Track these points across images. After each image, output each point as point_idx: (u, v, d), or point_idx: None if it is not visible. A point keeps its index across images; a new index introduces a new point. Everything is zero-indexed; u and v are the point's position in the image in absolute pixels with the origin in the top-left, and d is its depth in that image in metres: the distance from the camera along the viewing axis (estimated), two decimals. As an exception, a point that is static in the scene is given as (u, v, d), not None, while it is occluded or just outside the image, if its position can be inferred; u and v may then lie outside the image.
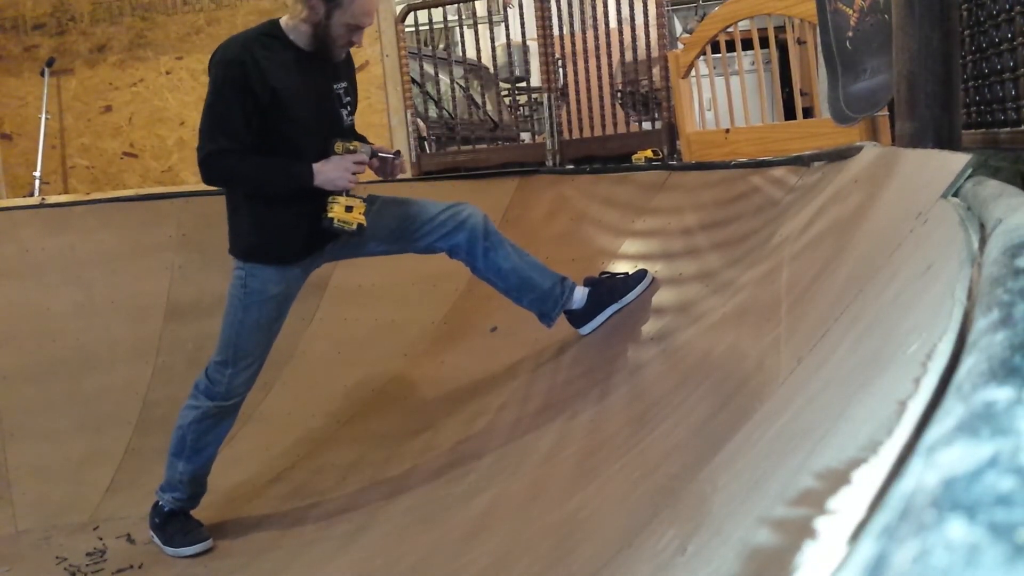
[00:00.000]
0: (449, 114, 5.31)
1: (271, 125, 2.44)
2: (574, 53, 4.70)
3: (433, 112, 5.36)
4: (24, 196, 4.75)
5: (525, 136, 5.76)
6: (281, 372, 3.42)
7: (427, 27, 6.22)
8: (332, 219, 2.47)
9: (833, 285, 1.33)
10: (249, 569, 2.45)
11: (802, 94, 4.01)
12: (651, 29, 4.40)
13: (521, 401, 2.73)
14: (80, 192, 4.88)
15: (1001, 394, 0.35)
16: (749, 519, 0.75)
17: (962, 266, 0.68)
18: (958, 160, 1.11)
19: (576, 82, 4.75)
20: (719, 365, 1.77)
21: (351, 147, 2.53)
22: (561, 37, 4.66)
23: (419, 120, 4.89)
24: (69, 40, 5.13)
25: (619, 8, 4.51)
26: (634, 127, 4.97)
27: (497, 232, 2.76)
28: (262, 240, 2.53)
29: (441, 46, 6.65)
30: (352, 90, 2.64)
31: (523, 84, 6.48)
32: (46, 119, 4.97)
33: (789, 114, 4.13)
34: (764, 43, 4.02)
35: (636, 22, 4.50)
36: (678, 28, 6.08)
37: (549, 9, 4.56)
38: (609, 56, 4.62)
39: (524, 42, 6.11)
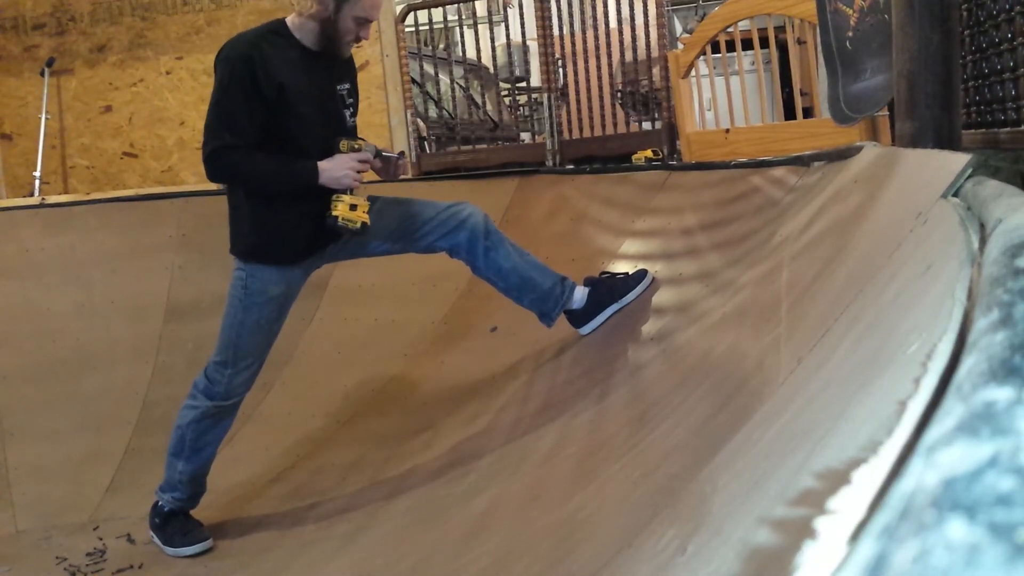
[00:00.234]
0: (449, 114, 5.31)
1: (276, 122, 2.44)
2: (574, 53, 4.70)
3: (433, 112, 5.36)
4: (24, 196, 4.75)
5: (525, 136, 5.77)
6: (281, 372, 3.42)
7: (427, 27, 6.23)
8: (336, 217, 2.46)
9: (833, 285, 1.33)
10: (249, 569, 2.45)
11: (802, 94, 4.01)
12: (651, 29, 4.40)
13: (521, 401, 2.73)
14: (80, 192, 4.89)
15: (1001, 394, 0.35)
16: (749, 519, 0.75)
17: (962, 266, 0.68)
18: (958, 160, 1.11)
19: (576, 82, 4.75)
20: (719, 365, 1.77)
21: (356, 145, 2.53)
22: (561, 37, 4.66)
23: (419, 120, 4.89)
24: (69, 40, 5.13)
25: (619, 8, 4.51)
26: (634, 127, 4.98)
27: (498, 231, 2.76)
28: (263, 240, 2.53)
29: (441, 46, 6.65)
30: (354, 92, 2.65)
31: (523, 84, 6.48)
32: (46, 119, 4.98)
33: (789, 114, 4.13)
34: (764, 43, 4.02)
35: (636, 22, 4.50)
36: (678, 28, 6.09)
37: (549, 9, 4.56)
38: (609, 56, 4.62)
39: (524, 42, 6.11)
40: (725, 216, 2.72)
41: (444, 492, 2.40)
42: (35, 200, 4.29)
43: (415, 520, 2.32)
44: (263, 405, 3.32)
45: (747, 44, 3.96)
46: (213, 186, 4.86)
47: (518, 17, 5.21)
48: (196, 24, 5.03)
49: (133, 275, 3.77)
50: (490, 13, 5.51)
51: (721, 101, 4.11)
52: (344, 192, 2.48)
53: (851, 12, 2.49)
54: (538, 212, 3.93)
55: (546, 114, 4.54)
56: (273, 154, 2.46)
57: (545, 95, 4.58)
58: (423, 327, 3.61)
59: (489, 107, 6.12)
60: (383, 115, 4.80)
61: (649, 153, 4.30)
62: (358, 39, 2.52)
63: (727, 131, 3.90)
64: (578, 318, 2.81)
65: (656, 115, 4.62)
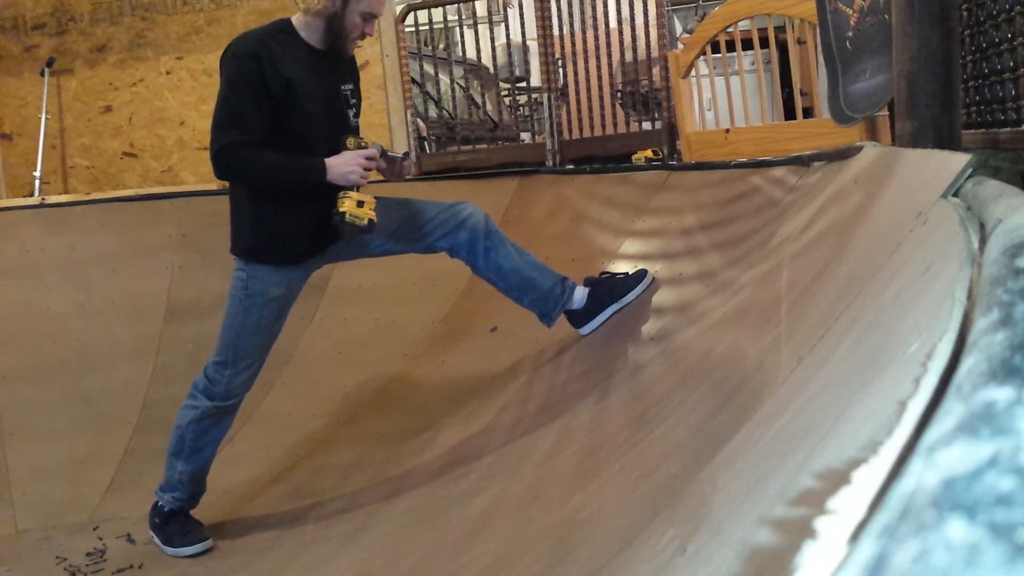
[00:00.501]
0: (449, 114, 5.31)
1: (282, 119, 2.44)
2: (574, 53, 4.70)
3: (433, 112, 5.36)
4: (24, 196, 4.75)
5: (525, 136, 5.77)
6: (281, 372, 3.42)
7: (427, 27, 6.23)
8: (344, 214, 2.45)
9: (833, 285, 1.33)
10: (249, 569, 2.45)
11: (802, 94, 4.01)
12: (651, 29, 4.40)
13: (521, 401, 2.73)
14: (80, 192, 4.89)
15: (1001, 394, 0.35)
16: (749, 519, 0.75)
17: (962, 266, 0.68)
18: (958, 160, 1.11)
19: (576, 82, 4.75)
20: (719, 365, 1.77)
21: (363, 143, 2.53)
22: (561, 37, 4.66)
23: (419, 120, 4.89)
24: (69, 40, 5.13)
25: (619, 8, 4.51)
26: (634, 127, 4.98)
27: (498, 231, 2.77)
28: (264, 241, 2.53)
29: (441, 46, 6.65)
30: (357, 92, 2.65)
31: (523, 84, 6.48)
32: (46, 119, 4.98)
33: (789, 114, 4.13)
34: (764, 43, 4.02)
35: (636, 22, 4.50)
36: (678, 28, 6.09)
37: (549, 9, 4.56)
38: (609, 56, 4.62)
39: (524, 42, 6.11)
40: (725, 216, 2.72)
41: (444, 492, 2.40)
42: (35, 200, 4.29)
43: (415, 520, 2.32)
44: (263, 405, 3.32)
45: (747, 44, 3.96)
46: (213, 186, 4.85)
47: (518, 17, 5.21)
48: (196, 24, 5.03)
49: (133, 275, 3.77)
50: (490, 13, 5.51)
51: (721, 101, 4.11)
52: (351, 189, 2.47)
53: (851, 12, 2.50)
54: (538, 212, 3.93)
55: (546, 114, 4.54)
56: (280, 151, 2.46)
57: (545, 95, 4.58)
58: (423, 327, 3.61)
59: (489, 107, 6.12)
60: (383, 115, 4.80)
61: (649, 153, 4.30)
62: (363, 35, 2.52)
63: (727, 131, 3.90)
64: (578, 318, 2.81)
65: (656, 115, 4.62)
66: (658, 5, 4.40)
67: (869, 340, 0.87)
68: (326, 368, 3.51)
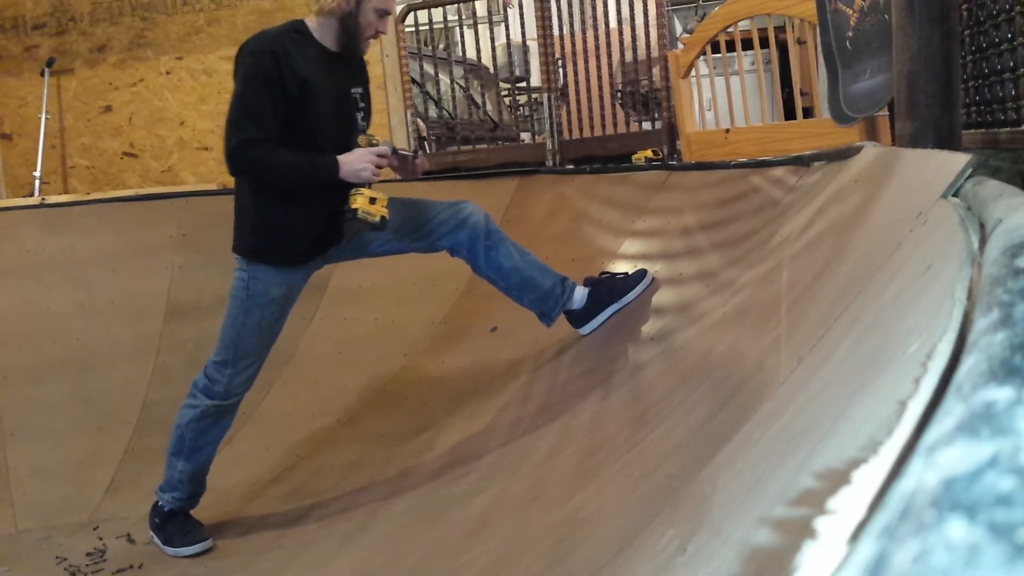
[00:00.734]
0: (449, 114, 5.31)
1: (295, 119, 2.44)
2: (574, 53, 4.70)
3: (433, 112, 5.36)
4: (24, 196, 4.75)
5: (525, 136, 5.77)
6: (281, 372, 3.42)
7: (427, 27, 6.22)
8: (356, 210, 2.44)
9: (833, 285, 1.33)
10: (249, 569, 2.45)
11: (802, 94, 4.01)
12: (651, 29, 4.40)
13: (521, 401, 2.73)
14: (80, 192, 4.89)
15: (1001, 394, 0.35)
16: (749, 519, 0.75)
17: (962, 266, 0.68)
18: (958, 160, 1.11)
19: (576, 82, 4.75)
20: (719, 365, 1.77)
21: (374, 140, 2.53)
22: (561, 37, 4.66)
23: (419, 120, 4.90)
24: (69, 40, 5.14)
25: (619, 8, 4.51)
26: (634, 127, 4.98)
27: (498, 230, 2.77)
28: (267, 241, 2.53)
29: (441, 46, 6.65)
30: (367, 96, 2.66)
31: (523, 84, 6.48)
32: (46, 119, 4.98)
33: (789, 114, 4.13)
34: (764, 43, 4.02)
35: (636, 22, 4.50)
36: (678, 28, 6.09)
37: (549, 9, 4.56)
38: (609, 56, 4.62)
39: (524, 42, 6.11)
40: (725, 216, 2.72)
41: (444, 492, 2.40)
42: (35, 200, 4.29)
43: (415, 520, 2.32)
44: (263, 405, 3.32)
45: (747, 44, 3.96)
46: (213, 186, 4.85)
47: (518, 17, 5.21)
48: (196, 24, 5.03)
49: (133, 275, 3.77)
50: (490, 13, 5.51)
51: (721, 101, 4.11)
52: (363, 186, 2.47)
53: (851, 12, 2.50)
54: (538, 212, 3.93)
55: (546, 114, 4.54)
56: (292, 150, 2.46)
57: (545, 95, 4.58)
58: (423, 327, 3.61)
59: (489, 107, 6.12)
60: (383, 115, 4.79)
61: (649, 153, 4.30)
62: (377, 33, 2.53)
63: (727, 131, 3.90)
64: (578, 318, 2.81)
65: (656, 115, 4.63)
66: (658, 5, 4.40)
67: (869, 340, 0.87)
68: (326, 368, 3.51)
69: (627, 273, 2.85)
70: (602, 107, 4.64)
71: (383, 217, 2.47)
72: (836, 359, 0.98)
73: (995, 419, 0.33)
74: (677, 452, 1.50)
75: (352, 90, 2.58)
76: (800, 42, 4.03)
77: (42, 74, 5.02)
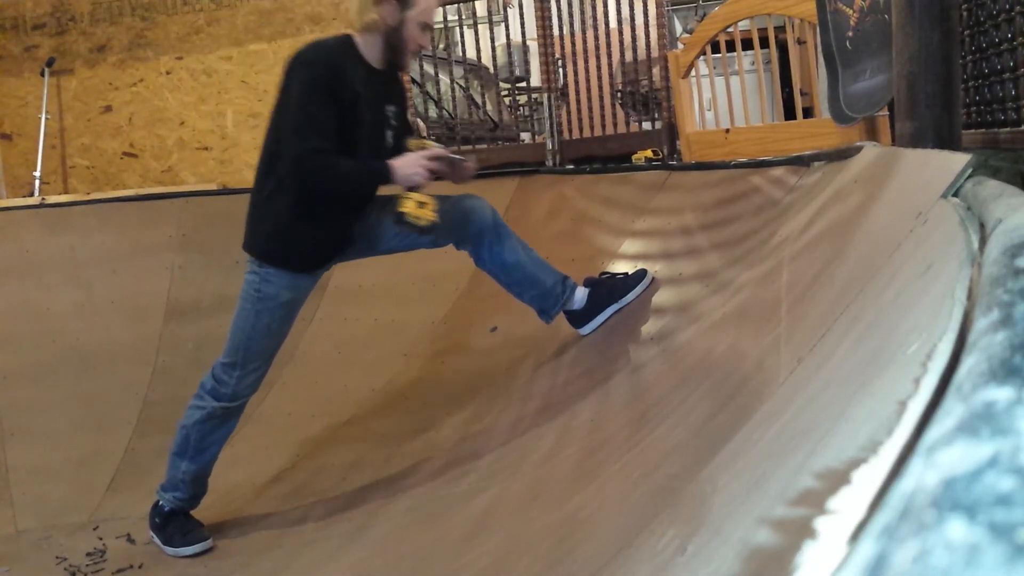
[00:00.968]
0: (449, 114, 5.31)
1: (341, 131, 2.47)
2: (574, 53, 4.70)
3: (433, 112, 5.36)
4: (24, 196, 4.75)
5: (525, 136, 5.76)
6: (281, 372, 3.41)
7: (427, 27, 6.21)
8: (405, 214, 2.47)
9: (833, 285, 1.33)
10: (249, 569, 2.45)
11: (802, 94, 4.01)
12: (651, 29, 4.40)
13: (521, 401, 2.73)
14: (80, 192, 4.89)
15: (1001, 394, 0.35)
16: (749, 519, 0.75)
17: (962, 266, 0.68)
18: (958, 160, 1.11)
19: (576, 82, 4.75)
20: (719, 365, 1.77)
21: (426, 144, 2.57)
22: (561, 37, 4.66)
23: (419, 120, 4.89)
24: (69, 40, 5.14)
25: (619, 8, 4.51)
26: (634, 127, 4.98)
27: (504, 225, 2.77)
28: (283, 247, 2.55)
29: (441, 46, 6.65)
30: (400, 116, 2.67)
31: (523, 84, 6.48)
32: (46, 119, 4.98)
33: (789, 114, 4.12)
34: (764, 43, 4.02)
35: (636, 22, 4.50)
36: (678, 28, 6.09)
37: (549, 9, 4.56)
38: (609, 56, 4.62)
39: (524, 42, 6.11)
40: (725, 216, 2.72)
41: (444, 492, 2.40)
42: (35, 200, 4.29)
43: (415, 520, 2.32)
44: (263, 405, 3.32)
45: (747, 44, 3.96)
46: (213, 186, 4.85)
47: (518, 17, 5.21)
48: (196, 24, 5.03)
49: (133, 275, 3.78)
50: (490, 13, 5.51)
51: (721, 101, 4.11)
52: (413, 190, 2.50)
53: (851, 12, 2.50)
54: (538, 212, 3.93)
55: (546, 114, 4.54)
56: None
57: (545, 95, 4.58)
58: (423, 327, 3.61)
59: (489, 107, 6.12)
60: (383, 115, 4.80)
61: (649, 153, 4.30)
62: (420, 48, 2.57)
63: (727, 131, 3.90)
64: (578, 318, 2.81)
65: (656, 115, 4.62)
66: (658, 5, 4.40)
67: (869, 340, 0.87)
68: (326, 368, 3.51)
69: (627, 273, 2.85)
70: (602, 107, 4.64)
71: (432, 221, 2.50)
72: (836, 359, 0.98)
73: (995, 419, 0.33)
74: (677, 452, 1.50)
75: (386, 107, 2.61)
76: (800, 42, 4.02)
77: (42, 74, 5.02)
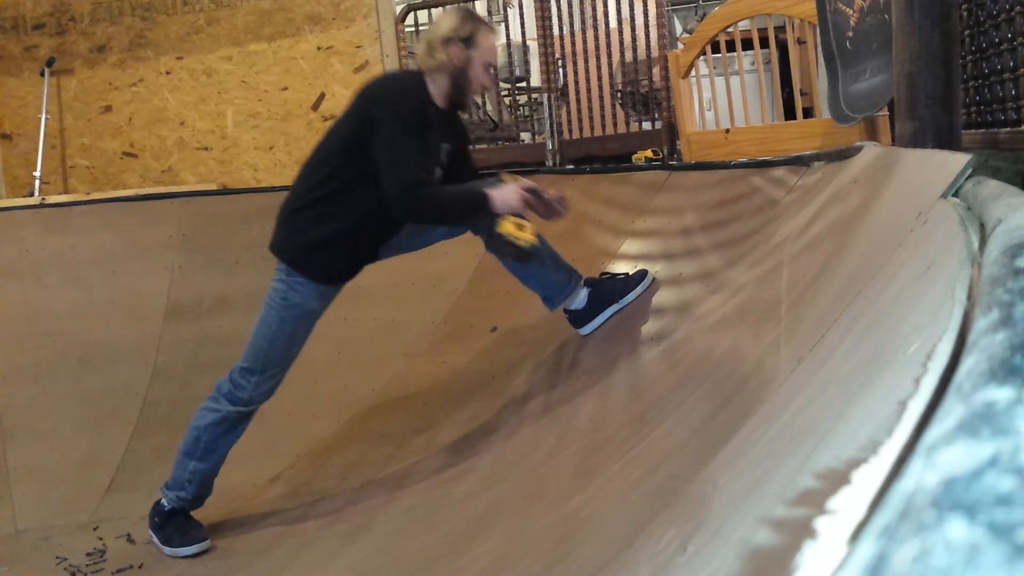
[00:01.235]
0: (449, 114, 5.30)
1: None
2: (574, 53, 4.70)
3: (433, 112, 5.34)
4: (24, 196, 4.75)
5: (525, 136, 5.77)
6: (281, 372, 3.41)
7: (427, 27, 6.21)
8: (504, 235, 2.51)
9: (833, 285, 1.33)
10: (249, 569, 2.45)
11: (802, 94, 4.01)
12: (651, 29, 4.40)
13: (521, 401, 2.73)
14: (80, 192, 4.89)
15: (1001, 394, 0.35)
16: (749, 519, 0.75)
17: (962, 266, 0.68)
18: (958, 160, 1.11)
19: (576, 82, 4.75)
20: (719, 365, 1.77)
21: (517, 177, 2.64)
22: (561, 37, 4.66)
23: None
24: (69, 40, 5.14)
25: (619, 8, 4.51)
26: (634, 127, 4.98)
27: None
28: (317, 260, 2.57)
29: (441, 46, 6.64)
30: (451, 154, 2.69)
31: (523, 84, 6.48)
32: (46, 119, 4.98)
33: (789, 114, 4.13)
34: (764, 43, 4.02)
35: (636, 22, 4.50)
36: (678, 28, 6.08)
37: (549, 9, 4.56)
38: (609, 56, 4.62)
39: (524, 42, 6.11)
40: (725, 216, 2.72)
41: (444, 492, 2.40)
42: (35, 200, 4.29)
43: (415, 520, 2.32)
44: (263, 405, 3.32)
45: (747, 44, 3.96)
46: (213, 186, 4.85)
47: (518, 17, 5.21)
48: (196, 24, 5.03)
49: (133, 275, 3.78)
50: (490, 13, 5.51)
51: (721, 101, 4.11)
52: (510, 216, 2.54)
53: (851, 12, 2.50)
54: (538, 212, 3.92)
55: (546, 114, 4.54)
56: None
57: (545, 95, 4.58)
58: (423, 327, 3.61)
59: (489, 107, 6.12)
60: (383, 115, 4.79)
61: (649, 153, 4.30)
62: (484, 88, 2.65)
63: (727, 131, 3.90)
64: (578, 318, 2.81)
65: (656, 115, 4.63)
66: (658, 5, 4.40)
67: (869, 340, 0.87)
68: (326, 368, 3.51)
69: (627, 273, 2.85)
70: (602, 107, 4.64)
71: (531, 243, 2.53)
72: (836, 359, 0.98)
73: (995, 419, 0.33)
74: (677, 452, 1.50)
75: (442, 145, 2.65)
76: (800, 42, 4.02)
77: (42, 74, 5.02)
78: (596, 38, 4.59)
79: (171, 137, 5.09)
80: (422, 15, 5.67)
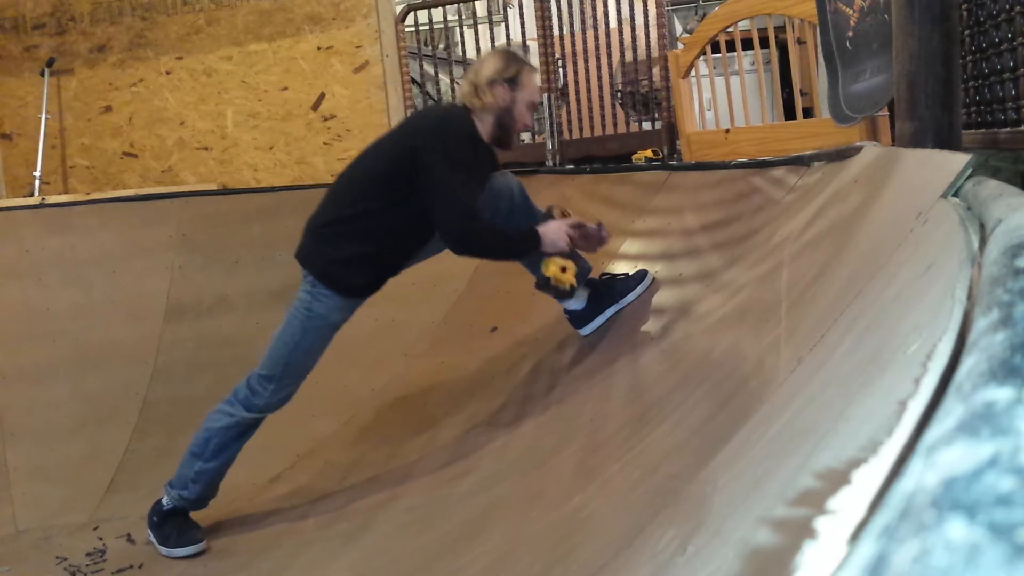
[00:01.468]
0: (449, 114, 5.30)
1: None
2: (574, 53, 4.70)
3: (433, 112, 5.35)
4: (24, 196, 4.75)
5: (525, 136, 5.77)
6: (281, 372, 3.41)
7: (427, 27, 6.22)
8: (549, 279, 2.58)
9: (833, 285, 1.33)
10: (249, 569, 2.45)
11: (802, 94, 4.01)
12: (651, 29, 4.40)
13: (521, 401, 2.73)
14: (80, 192, 4.89)
15: (1001, 394, 0.35)
16: (749, 519, 0.75)
17: (962, 266, 0.68)
18: (958, 160, 1.11)
19: (576, 82, 4.75)
20: (719, 365, 1.77)
21: (567, 212, 2.68)
22: (561, 37, 4.66)
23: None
24: (69, 40, 5.14)
25: (619, 8, 4.51)
26: (634, 127, 4.98)
27: (531, 202, 2.81)
28: (349, 274, 2.59)
29: (441, 46, 6.65)
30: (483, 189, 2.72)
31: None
32: (46, 119, 4.98)
33: (789, 114, 4.12)
34: (764, 43, 4.02)
35: (636, 22, 4.50)
36: (678, 28, 6.08)
37: (549, 9, 4.57)
38: (609, 56, 4.62)
39: (524, 42, 6.11)
40: (725, 216, 2.72)
41: (444, 492, 2.40)
42: (35, 200, 4.29)
43: (415, 520, 2.32)
44: (263, 405, 3.32)
45: (747, 44, 3.96)
46: (213, 186, 4.85)
47: (518, 17, 5.21)
48: (196, 24, 5.03)
49: (133, 275, 3.78)
50: (490, 13, 5.51)
51: (721, 101, 4.11)
52: (556, 255, 2.58)
53: (851, 12, 2.50)
54: (538, 212, 3.92)
55: (546, 114, 4.54)
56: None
57: (545, 95, 4.58)
58: (423, 327, 3.61)
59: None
60: (383, 115, 4.80)
61: (649, 153, 4.30)
62: (527, 127, 2.72)
63: (727, 131, 3.90)
64: (579, 319, 2.81)
65: (656, 115, 4.63)
66: (658, 5, 4.40)
67: (869, 340, 0.87)
68: (326, 368, 3.49)
69: (627, 274, 2.85)
70: (602, 107, 4.64)
71: (572, 285, 2.59)
72: (836, 359, 0.98)
73: (995, 419, 0.33)
74: (677, 452, 1.50)
75: (485, 179, 2.69)
76: (800, 42, 4.02)
77: (42, 74, 5.02)
78: (596, 38, 4.59)
79: (171, 137, 5.09)
80: (422, 15, 5.67)
